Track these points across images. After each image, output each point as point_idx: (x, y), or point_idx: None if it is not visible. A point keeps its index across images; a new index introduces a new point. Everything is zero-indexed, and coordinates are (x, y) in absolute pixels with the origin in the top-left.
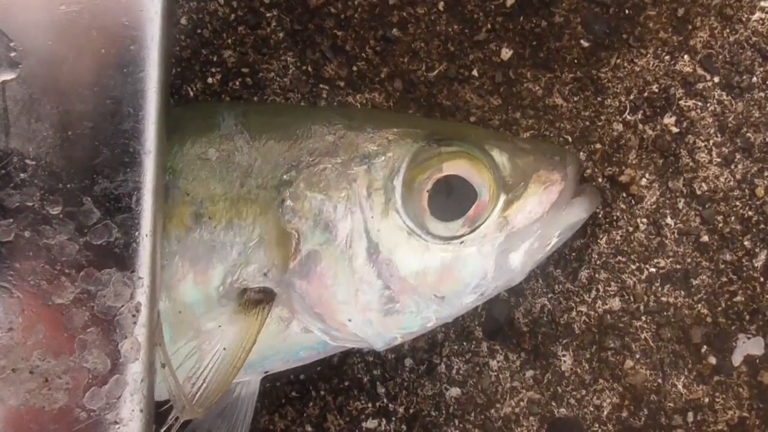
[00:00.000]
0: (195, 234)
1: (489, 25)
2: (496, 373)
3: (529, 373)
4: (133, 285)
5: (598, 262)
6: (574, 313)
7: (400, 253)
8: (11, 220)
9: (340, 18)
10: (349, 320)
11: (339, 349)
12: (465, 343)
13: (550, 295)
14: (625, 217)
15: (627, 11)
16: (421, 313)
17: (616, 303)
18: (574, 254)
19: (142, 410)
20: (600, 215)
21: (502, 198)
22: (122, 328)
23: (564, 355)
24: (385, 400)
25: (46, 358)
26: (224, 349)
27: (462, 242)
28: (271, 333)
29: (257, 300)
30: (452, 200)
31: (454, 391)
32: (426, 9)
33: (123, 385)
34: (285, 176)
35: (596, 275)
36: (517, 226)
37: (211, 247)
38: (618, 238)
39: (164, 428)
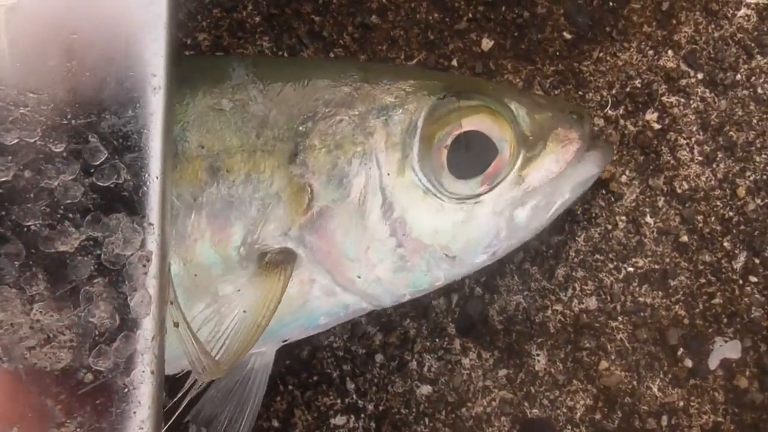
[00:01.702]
0: (212, 189)
1: (470, 15)
2: (468, 372)
3: (502, 372)
4: (144, 232)
5: (575, 259)
6: (549, 312)
7: (414, 211)
8: (10, 157)
9: (318, 3)
10: (358, 277)
11: (359, 313)
12: (437, 340)
13: (525, 293)
14: (604, 214)
15: (611, 3)
16: (431, 272)
17: (592, 302)
18: (551, 251)
19: (153, 372)
20: (578, 212)
21: (522, 155)
22: (132, 280)
23: (538, 355)
24: (354, 396)
25: (49, 312)
26: (244, 311)
27: (477, 201)
28: (292, 297)
29: (278, 261)
30: (470, 157)
31: (425, 389)
32: None
33: (133, 342)
34: (301, 127)
35: (573, 273)
36: (533, 185)
37: (229, 203)
38: (596, 235)
39: (182, 392)
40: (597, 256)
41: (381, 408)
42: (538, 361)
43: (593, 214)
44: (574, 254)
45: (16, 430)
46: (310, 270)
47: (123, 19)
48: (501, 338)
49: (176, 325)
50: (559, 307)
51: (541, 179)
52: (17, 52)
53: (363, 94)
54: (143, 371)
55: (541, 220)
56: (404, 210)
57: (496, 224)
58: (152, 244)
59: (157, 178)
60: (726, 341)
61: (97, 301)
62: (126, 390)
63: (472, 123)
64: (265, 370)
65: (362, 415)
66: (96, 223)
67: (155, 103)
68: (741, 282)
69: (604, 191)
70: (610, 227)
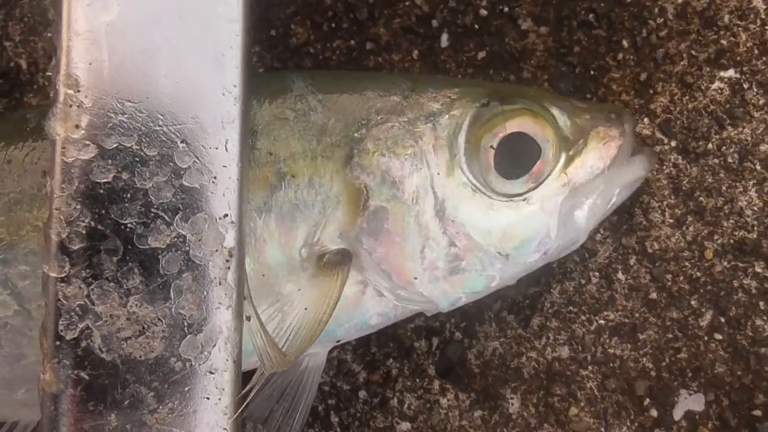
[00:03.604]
0: (280, 193)
1: (460, 76)
2: (445, 411)
3: (478, 413)
4: (226, 229)
5: (550, 310)
6: (524, 359)
7: (465, 209)
8: (109, 161)
9: (318, 58)
10: (415, 278)
11: (407, 314)
12: (418, 380)
13: (502, 339)
14: (578, 269)
15: (592, 72)
16: (486, 272)
17: (564, 351)
18: (527, 302)
19: (235, 361)
20: (554, 265)
21: (564, 155)
22: (216, 274)
23: (512, 398)
24: (338, 430)
25: (143, 304)
26: (306, 309)
27: (525, 199)
28: (347, 298)
29: (336, 261)
30: (515, 158)
31: (405, 426)
32: (401, 56)
33: (217, 333)
34: (356, 134)
35: (547, 323)
36: (579, 182)
37: (295, 206)
38: (570, 288)
39: (251, 384)
40: (570, 308)
41: None
42: (512, 404)
43: (568, 269)
44: (549, 305)
45: (114, 417)
46: (365, 272)
47: (207, 35)
48: (478, 381)
49: (248, 318)
50: (533, 355)
51: (586, 176)
52: (116, 64)
53: (411, 103)
54: (226, 360)
55: (590, 221)
56: (455, 208)
57: (546, 222)
58: (233, 242)
59: (237, 179)
60: (690, 394)
61: (185, 294)
62: (212, 377)
63: (515, 125)
64: (318, 370)
65: None
66: (185, 221)
67: (234, 112)
68: (706, 339)
69: (579, 247)
70: (583, 281)
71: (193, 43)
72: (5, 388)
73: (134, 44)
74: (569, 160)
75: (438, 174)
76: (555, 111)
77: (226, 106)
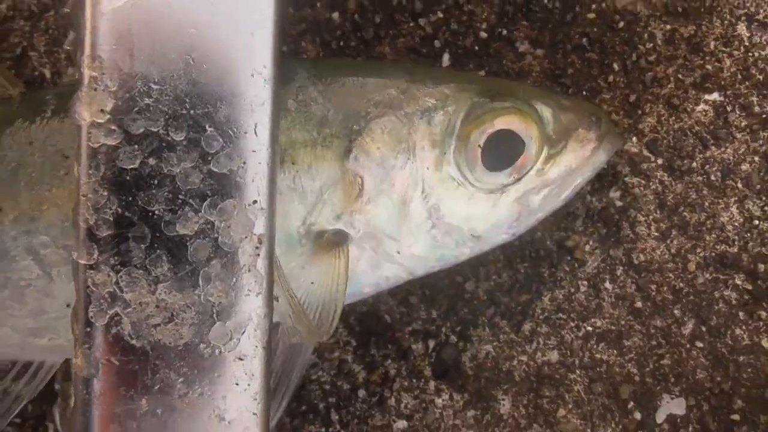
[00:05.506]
0: (280, 177)
1: None
2: (440, 411)
3: (471, 413)
4: (256, 216)
5: (540, 317)
6: (515, 362)
7: (448, 200)
8: (136, 146)
9: None
10: (398, 252)
11: (396, 284)
12: (414, 381)
13: (495, 343)
14: (568, 278)
15: (585, 92)
16: (459, 249)
17: (554, 356)
18: (519, 308)
19: (264, 347)
20: (546, 274)
21: (545, 151)
22: (245, 261)
23: (503, 399)
24: (337, 426)
25: (172, 291)
26: (312, 283)
27: (504, 191)
28: None
29: (334, 241)
30: (501, 151)
31: (401, 424)
32: None
33: (246, 319)
34: (354, 126)
35: (538, 329)
36: (552, 177)
37: (293, 190)
38: (560, 296)
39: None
40: (560, 314)
41: None
42: (503, 405)
43: (558, 277)
44: (539, 312)
45: (145, 402)
46: (359, 247)
47: (237, 15)
48: (471, 383)
49: (276, 299)
50: (524, 358)
51: (560, 173)
52: (142, 45)
53: (409, 97)
54: (256, 346)
55: (555, 204)
56: (440, 199)
57: (517, 209)
58: (263, 228)
59: (267, 164)
60: (672, 398)
61: (214, 281)
62: (241, 363)
63: (503, 122)
64: (308, 346)
65: None
66: (213, 208)
67: (264, 94)
68: (688, 346)
69: (569, 258)
70: (573, 290)
71: (221, 23)
72: (31, 336)
73: (160, 24)
74: (549, 158)
75: (427, 168)
76: (541, 109)
77: (255, 88)
